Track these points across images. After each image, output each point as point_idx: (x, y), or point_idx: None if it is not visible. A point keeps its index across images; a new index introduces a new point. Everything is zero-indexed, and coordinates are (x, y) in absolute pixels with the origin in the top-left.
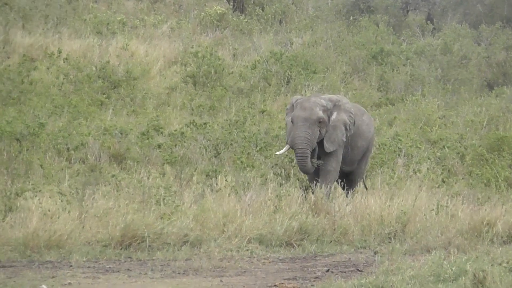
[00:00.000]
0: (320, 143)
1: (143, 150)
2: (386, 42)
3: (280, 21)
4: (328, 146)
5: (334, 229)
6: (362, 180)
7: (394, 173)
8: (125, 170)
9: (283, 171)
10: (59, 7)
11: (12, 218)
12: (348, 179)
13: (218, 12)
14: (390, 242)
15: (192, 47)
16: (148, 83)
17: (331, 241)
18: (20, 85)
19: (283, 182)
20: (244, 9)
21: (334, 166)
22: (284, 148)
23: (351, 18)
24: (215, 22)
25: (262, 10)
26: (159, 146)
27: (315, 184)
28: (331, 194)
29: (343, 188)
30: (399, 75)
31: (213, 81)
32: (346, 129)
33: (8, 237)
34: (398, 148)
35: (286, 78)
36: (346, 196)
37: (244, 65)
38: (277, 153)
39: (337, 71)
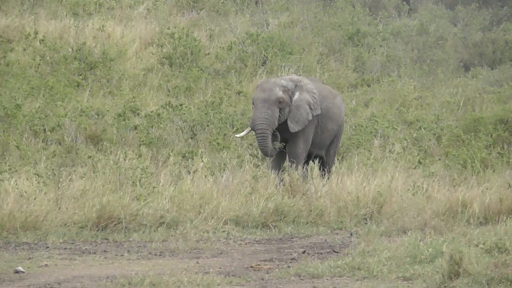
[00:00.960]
0: (285, 124)
1: (120, 131)
2: (362, 23)
3: (256, 2)
4: (293, 126)
5: (310, 211)
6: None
7: (371, 154)
8: (102, 152)
9: (259, 152)
10: None
11: None
12: (320, 163)
13: None
14: (366, 223)
15: (168, 28)
16: (124, 65)
17: (307, 223)
18: None
19: (259, 163)
20: None
21: (302, 147)
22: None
23: None
24: (191, 3)
25: None
26: (135, 128)
27: (278, 171)
28: (307, 175)
29: (319, 169)
30: (375, 56)
31: (189, 62)
32: (310, 108)
33: None
34: (375, 129)
35: (262, 59)
36: (322, 178)
37: (220, 46)
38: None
39: (313, 52)
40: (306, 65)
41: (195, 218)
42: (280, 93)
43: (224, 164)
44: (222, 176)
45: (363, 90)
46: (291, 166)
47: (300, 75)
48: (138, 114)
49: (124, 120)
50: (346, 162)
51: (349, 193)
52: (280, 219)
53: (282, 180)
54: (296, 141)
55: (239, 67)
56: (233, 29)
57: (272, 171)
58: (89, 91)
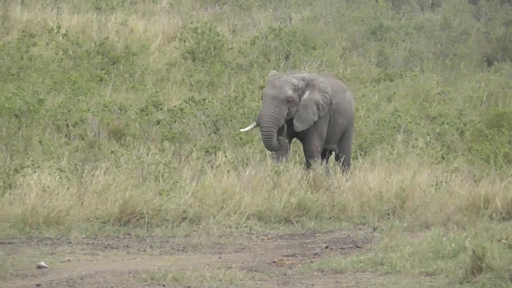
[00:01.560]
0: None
1: (142, 126)
2: (385, 18)
3: None
4: (298, 125)
5: (333, 206)
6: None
7: (393, 149)
8: (124, 146)
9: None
10: None
11: (11, 195)
12: (335, 158)
13: None
14: (389, 219)
15: (191, 23)
16: (147, 59)
17: (330, 218)
18: (19, 61)
19: (283, 159)
20: None
21: (317, 143)
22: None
23: None
24: None
25: None
26: (158, 122)
27: (281, 161)
28: (329, 170)
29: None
30: (398, 51)
31: (212, 57)
32: (318, 109)
33: (7, 214)
34: (398, 124)
35: (285, 54)
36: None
37: (243, 41)
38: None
39: (336, 47)
40: (329, 59)
41: (218, 213)
42: (290, 92)
43: (247, 159)
44: (245, 171)
45: (386, 85)
46: (308, 164)
47: (322, 70)
48: (161, 109)
49: (147, 115)
50: (369, 157)
51: (372, 188)
52: (303, 214)
53: (282, 160)
54: (310, 138)
55: (262, 62)
56: (256, 24)
57: (276, 162)
58: (112, 85)
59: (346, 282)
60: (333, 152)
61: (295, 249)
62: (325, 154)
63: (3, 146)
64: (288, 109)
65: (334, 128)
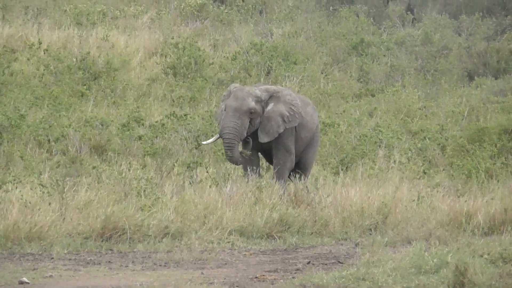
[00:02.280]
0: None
1: (124, 141)
2: (366, 33)
3: (260, 12)
4: (262, 137)
5: (315, 221)
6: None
7: (375, 165)
8: (106, 162)
9: (264, 162)
10: None
11: None
12: (293, 171)
13: (198, 2)
14: (371, 234)
15: (173, 38)
16: (128, 74)
17: (312, 233)
18: (0, 76)
19: (264, 173)
20: None
21: (285, 157)
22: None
23: (331, 8)
24: (195, 12)
25: (243, 0)
26: (140, 138)
27: (253, 170)
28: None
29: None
30: (379, 66)
31: (194, 72)
32: (284, 120)
33: None
34: (379, 139)
35: (267, 69)
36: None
37: (224, 56)
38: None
39: (318, 62)
40: (310, 75)
41: (200, 229)
42: (253, 104)
43: (229, 175)
44: (226, 187)
45: (367, 100)
46: (276, 179)
47: (303, 86)
48: (142, 124)
49: (129, 130)
50: (350, 172)
51: (353, 204)
52: (285, 230)
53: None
54: (277, 153)
55: (243, 77)
56: (237, 39)
57: (245, 172)
58: (93, 101)
59: None
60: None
61: (277, 265)
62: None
63: None
64: (251, 121)
65: (297, 142)
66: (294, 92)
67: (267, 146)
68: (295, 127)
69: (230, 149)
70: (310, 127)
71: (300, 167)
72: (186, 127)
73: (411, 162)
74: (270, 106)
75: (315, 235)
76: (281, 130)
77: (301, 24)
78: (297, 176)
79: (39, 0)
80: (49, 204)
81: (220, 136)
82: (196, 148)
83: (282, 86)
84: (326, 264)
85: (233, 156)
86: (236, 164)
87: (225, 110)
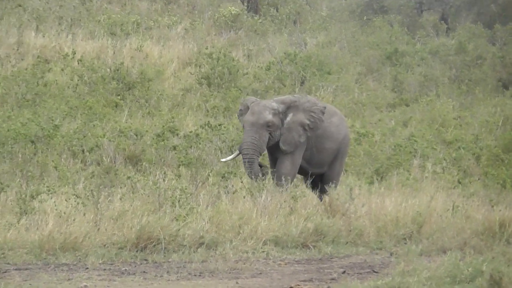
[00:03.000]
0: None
1: (158, 151)
2: (400, 43)
3: (294, 22)
4: (284, 148)
5: (350, 230)
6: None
7: (410, 174)
8: (141, 172)
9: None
10: (72, 8)
11: (28, 221)
12: (321, 181)
13: (232, 12)
14: (405, 243)
15: (207, 48)
16: (162, 85)
17: (347, 243)
18: (34, 87)
19: (298, 183)
20: (258, 9)
21: (289, 169)
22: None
23: (365, 18)
24: (229, 23)
25: (277, 10)
26: (174, 148)
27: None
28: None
29: (313, 189)
30: (413, 76)
31: (228, 82)
32: (304, 129)
33: (24, 240)
34: (414, 149)
35: (301, 79)
36: (320, 199)
37: (258, 66)
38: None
39: (351, 72)
40: (344, 84)
41: (234, 239)
42: (270, 117)
43: (263, 184)
44: (261, 196)
45: (402, 110)
46: (276, 184)
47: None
48: (177, 135)
49: (163, 140)
50: (385, 182)
51: (388, 213)
52: (320, 239)
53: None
54: (283, 159)
55: (277, 87)
56: (271, 49)
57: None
58: (128, 111)
59: None
60: (318, 176)
61: (312, 274)
62: (308, 177)
63: (19, 172)
64: (270, 134)
65: (321, 153)
66: (318, 101)
67: (279, 155)
68: (312, 138)
69: (250, 165)
70: (335, 137)
71: (328, 178)
72: (221, 137)
73: (446, 172)
74: (289, 117)
75: (350, 245)
76: (303, 140)
77: (335, 34)
78: (331, 186)
79: (73, 10)
80: (84, 214)
81: (240, 152)
82: None
83: (316, 96)
84: (361, 274)
85: (251, 172)
86: (256, 179)
87: (243, 126)
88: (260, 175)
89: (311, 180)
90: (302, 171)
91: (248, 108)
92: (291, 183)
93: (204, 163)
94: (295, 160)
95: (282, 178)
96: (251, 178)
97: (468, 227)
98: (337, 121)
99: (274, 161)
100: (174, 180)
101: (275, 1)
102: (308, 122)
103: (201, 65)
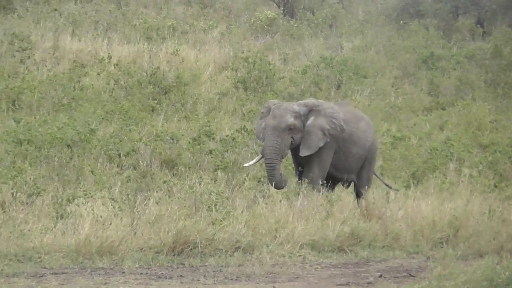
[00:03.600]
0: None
1: (195, 155)
2: (436, 46)
3: (330, 26)
4: (304, 151)
5: (386, 234)
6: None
7: (446, 178)
8: (177, 176)
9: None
10: (108, 12)
11: (64, 225)
12: (354, 187)
13: (268, 17)
14: (442, 247)
15: (243, 52)
16: (198, 89)
17: (383, 246)
18: (71, 91)
19: (335, 187)
20: (294, 13)
21: (317, 172)
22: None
23: (401, 22)
24: (265, 27)
25: (312, 14)
26: (210, 152)
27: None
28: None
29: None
30: (449, 79)
31: (264, 86)
32: (324, 134)
33: (60, 244)
34: (450, 152)
35: (337, 82)
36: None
37: (294, 70)
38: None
39: (388, 76)
40: (380, 88)
41: (271, 243)
42: (291, 120)
43: (299, 188)
44: (297, 200)
45: (438, 114)
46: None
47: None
48: (213, 139)
49: (199, 144)
50: (421, 186)
51: (424, 217)
52: (356, 243)
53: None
54: (311, 165)
55: (313, 91)
56: (307, 53)
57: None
58: (164, 115)
59: None
60: (350, 182)
61: (349, 278)
62: (337, 183)
63: (55, 176)
64: (292, 137)
65: (348, 158)
66: (349, 106)
67: (305, 159)
68: (339, 142)
69: (272, 169)
70: (362, 143)
71: (358, 183)
72: (257, 141)
73: (482, 175)
74: (310, 120)
75: (387, 249)
76: (322, 144)
77: (371, 38)
78: (366, 190)
79: (108, 15)
80: (120, 218)
81: (263, 156)
82: None
83: (352, 99)
84: (397, 278)
85: (274, 175)
86: (277, 184)
87: (265, 129)
88: (283, 182)
89: (334, 186)
90: (328, 176)
91: (269, 111)
92: (319, 186)
93: (240, 167)
94: (323, 163)
95: (311, 181)
96: (271, 183)
97: (505, 230)
98: (364, 126)
99: (298, 163)
100: (210, 184)
101: (311, 5)
102: (328, 127)
103: (237, 69)
